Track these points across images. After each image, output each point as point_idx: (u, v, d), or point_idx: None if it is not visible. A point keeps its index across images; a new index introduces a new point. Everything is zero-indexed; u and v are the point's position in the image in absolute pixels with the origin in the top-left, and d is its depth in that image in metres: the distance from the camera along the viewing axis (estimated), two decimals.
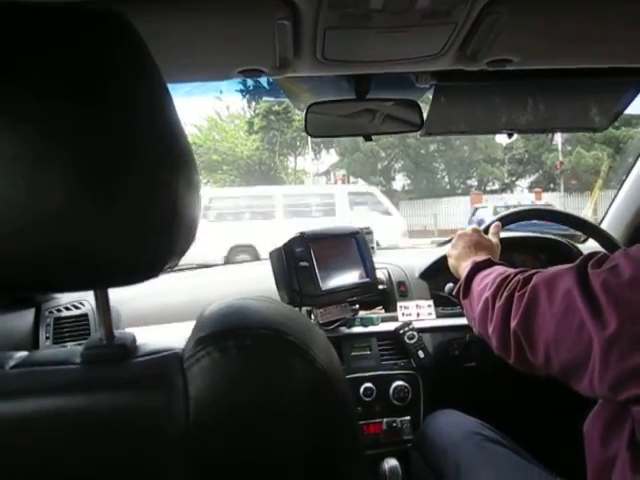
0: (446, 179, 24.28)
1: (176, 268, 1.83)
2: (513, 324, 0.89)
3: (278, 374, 0.49)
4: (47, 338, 1.52)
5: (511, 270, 1.03)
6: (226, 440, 0.47)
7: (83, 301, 1.60)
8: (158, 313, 1.57)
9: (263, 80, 1.39)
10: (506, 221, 1.46)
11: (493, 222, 1.42)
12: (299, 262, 1.42)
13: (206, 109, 25.42)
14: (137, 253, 0.47)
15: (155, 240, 0.47)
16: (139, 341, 0.55)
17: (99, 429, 0.46)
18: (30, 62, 0.42)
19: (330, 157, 25.67)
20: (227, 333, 0.49)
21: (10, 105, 0.41)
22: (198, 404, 0.47)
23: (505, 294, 0.93)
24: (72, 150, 0.42)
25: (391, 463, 1.42)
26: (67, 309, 1.58)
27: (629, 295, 0.68)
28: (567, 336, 0.76)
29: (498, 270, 1.07)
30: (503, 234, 1.44)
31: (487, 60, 1.18)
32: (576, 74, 1.35)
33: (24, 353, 0.54)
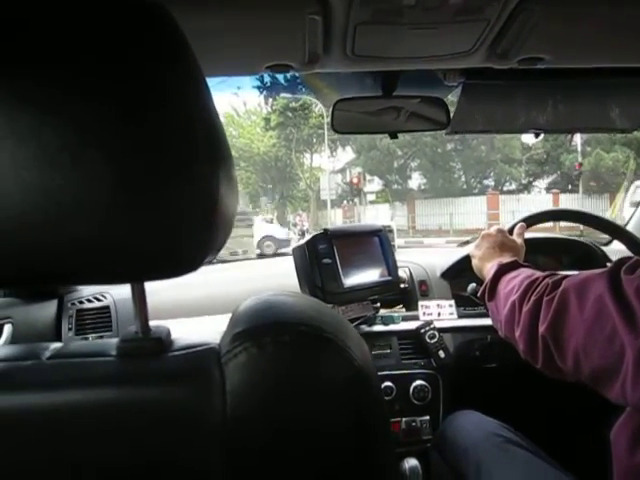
0: (463, 179, 24.16)
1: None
2: (542, 329, 0.87)
3: (316, 371, 0.49)
4: (69, 329, 1.53)
5: (539, 273, 1.02)
6: (262, 436, 0.47)
7: (105, 294, 1.61)
8: (186, 306, 1.57)
9: (280, 76, 1.39)
10: (531, 222, 1.44)
11: (518, 223, 1.40)
12: (322, 259, 1.42)
13: (223, 105, 25.56)
14: (177, 246, 0.46)
15: (195, 234, 0.47)
16: (173, 335, 0.55)
17: (135, 422, 0.46)
18: (75, 54, 0.42)
19: (346, 154, 25.69)
20: (264, 329, 0.49)
21: (56, 97, 0.41)
22: (235, 399, 0.46)
23: (533, 298, 0.92)
24: (116, 141, 0.42)
25: (411, 463, 1.42)
26: (89, 301, 1.59)
27: None
28: (598, 342, 0.75)
29: (525, 273, 1.06)
30: (530, 234, 1.43)
31: (518, 58, 1.17)
32: (609, 72, 1.33)
33: (58, 344, 0.54)
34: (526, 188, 22.78)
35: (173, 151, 0.43)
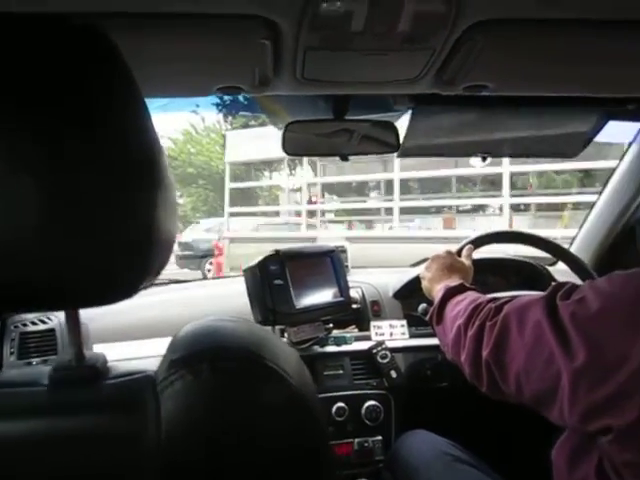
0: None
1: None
2: (485, 353, 0.89)
3: (253, 398, 0.48)
4: (11, 353, 1.47)
5: (483, 298, 1.04)
6: (198, 465, 0.46)
7: (51, 316, 1.55)
8: (129, 330, 1.54)
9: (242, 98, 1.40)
10: (479, 243, 1.48)
11: (466, 244, 1.43)
12: (274, 280, 1.41)
13: (181, 122, 25.33)
14: (111, 272, 0.46)
15: (131, 260, 0.46)
16: (110, 362, 0.54)
17: (66, 454, 0.45)
18: (6, 73, 0.41)
19: (305, 173, 25.72)
20: (201, 356, 0.49)
21: None
22: (170, 429, 0.46)
23: (477, 323, 0.94)
24: (47, 167, 0.41)
25: None
26: (33, 323, 1.54)
27: (596, 328, 0.69)
28: (537, 366, 0.77)
29: (470, 297, 1.08)
30: (475, 256, 1.46)
31: (464, 85, 1.20)
32: (550, 101, 1.38)
33: None
34: (481, 208, 23.27)
35: (107, 176, 0.43)
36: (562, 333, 0.73)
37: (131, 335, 1.49)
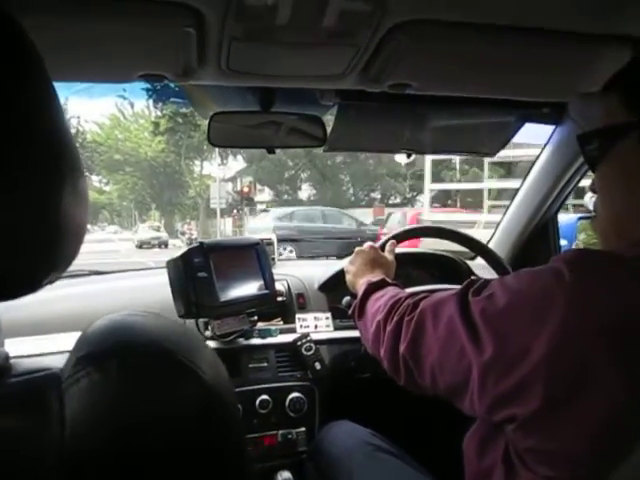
0: (351, 191, 24.87)
1: (66, 274, 1.72)
2: (402, 348, 0.92)
3: (162, 394, 0.47)
4: None
5: (402, 293, 1.07)
6: (105, 463, 0.45)
7: None
8: (44, 323, 1.47)
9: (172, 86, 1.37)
10: (401, 238, 1.51)
11: (389, 240, 1.46)
12: (197, 272, 1.39)
13: (109, 106, 24.49)
14: (14, 266, 0.44)
15: (35, 252, 0.44)
16: (15, 358, 0.51)
17: None
18: None
19: (237, 163, 25.53)
20: (109, 352, 0.47)
21: None
22: (74, 428, 0.44)
23: (395, 318, 0.97)
24: None
25: (285, 475, 1.43)
26: None
27: (503, 323, 0.72)
28: (450, 360, 0.80)
29: (390, 292, 1.11)
30: (401, 250, 1.49)
31: (388, 83, 1.23)
32: (471, 102, 1.44)
33: None
34: (410, 202, 23.87)
35: (5, 164, 0.41)
36: (473, 328, 0.76)
37: (47, 329, 1.42)
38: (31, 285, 0.46)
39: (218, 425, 0.51)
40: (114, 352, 0.47)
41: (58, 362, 0.50)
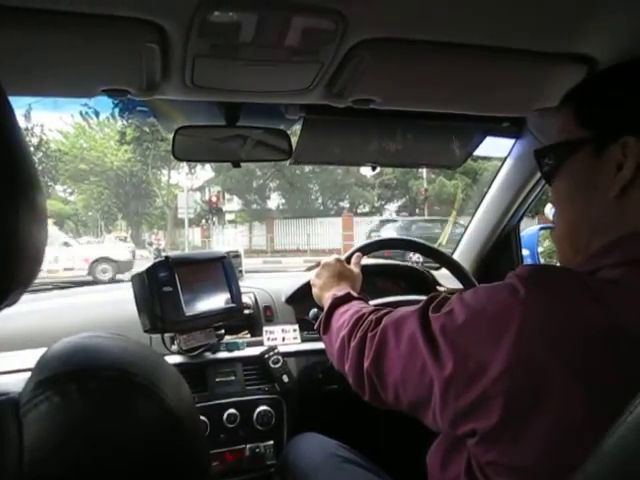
0: (320, 200, 24.92)
1: (32, 288, 1.68)
2: (366, 364, 0.92)
3: (122, 417, 0.47)
4: None
5: (366, 308, 1.08)
6: None
7: None
8: (6, 339, 1.44)
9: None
10: (367, 250, 1.53)
11: (355, 252, 1.47)
12: (162, 287, 1.38)
13: (74, 115, 24.06)
14: None
15: None
16: None
17: None
18: None
19: (205, 172, 25.30)
20: (69, 376, 0.46)
21: None
22: (34, 455, 0.43)
23: (359, 334, 0.98)
24: None
25: None
26: None
27: (462, 338, 0.73)
28: (412, 376, 0.81)
29: (355, 307, 1.12)
30: (368, 261, 1.50)
31: (352, 98, 1.25)
32: (434, 116, 1.47)
33: None
34: (378, 211, 24.03)
35: None
36: (433, 344, 0.77)
37: (8, 346, 1.39)
38: None
39: (180, 448, 0.50)
40: (74, 376, 0.47)
41: (16, 386, 0.49)
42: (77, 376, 0.47)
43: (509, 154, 1.79)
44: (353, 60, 1.07)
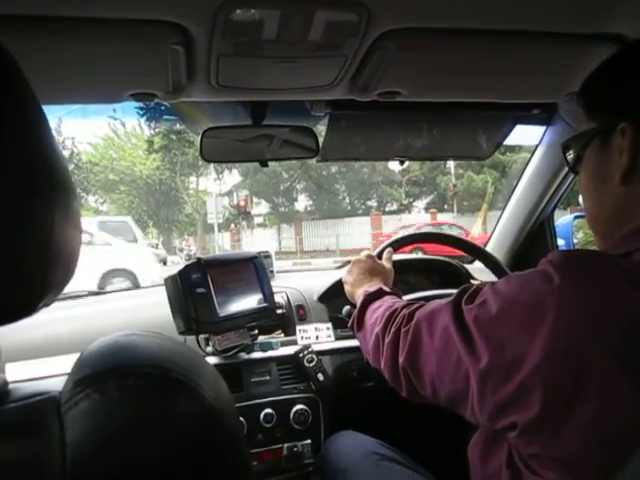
0: (347, 200, 24.91)
1: (66, 295, 1.70)
2: (401, 360, 0.91)
3: (162, 414, 0.47)
4: None
5: (399, 304, 1.06)
6: None
7: None
8: (46, 345, 1.47)
9: (164, 105, 1.37)
10: (398, 245, 1.51)
11: (386, 247, 1.46)
12: (196, 289, 1.39)
13: (102, 127, 24.54)
14: (7, 291, 0.43)
15: (28, 276, 0.44)
16: (12, 383, 0.51)
17: None
18: None
19: (233, 177, 25.56)
20: (108, 373, 0.47)
21: None
22: (76, 452, 0.44)
23: (393, 330, 0.97)
24: None
25: None
26: None
27: (497, 330, 0.72)
28: (448, 370, 0.79)
29: (387, 303, 1.11)
30: (399, 256, 1.49)
31: (378, 92, 1.23)
32: (462, 107, 1.44)
33: None
34: (407, 208, 23.92)
35: None
36: (467, 336, 0.75)
37: (47, 352, 1.42)
38: (25, 309, 0.46)
39: (220, 444, 0.50)
40: (113, 373, 0.47)
41: (57, 385, 0.50)
42: (115, 373, 0.47)
43: (540, 142, 1.76)
44: (377, 52, 1.06)
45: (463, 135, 1.66)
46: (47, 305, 0.50)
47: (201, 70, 1.08)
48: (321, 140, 1.50)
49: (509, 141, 1.69)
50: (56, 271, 0.46)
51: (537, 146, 1.79)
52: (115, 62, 1.04)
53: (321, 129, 1.57)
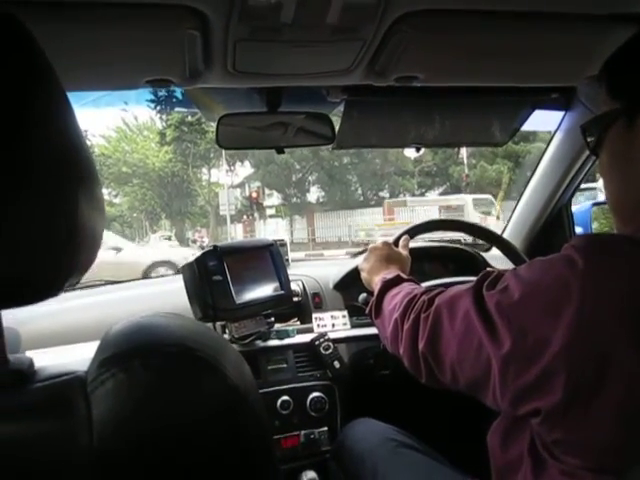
0: (359, 191, 24.85)
1: (83, 285, 1.72)
2: (421, 346, 0.91)
3: (187, 392, 0.47)
4: None
5: (418, 290, 1.06)
6: (133, 465, 0.45)
7: None
8: (64, 333, 1.48)
9: (175, 90, 1.36)
10: (414, 233, 1.50)
11: (402, 235, 1.45)
12: (212, 276, 1.40)
13: (114, 119, 24.68)
14: (33, 271, 0.44)
15: (54, 257, 0.44)
16: (38, 365, 0.51)
17: None
18: None
19: (245, 169, 25.60)
20: (132, 353, 0.47)
21: None
22: (102, 430, 0.44)
23: (412, 316, 0.96)
24: None
25: (310, 475, 1.42)
26: None
27: (519, 315, 0.71)
28: (469, 356, 0.79)
29: (406, 289, 1.10)
30: (414, 244, 1.48)
31: (395, 76, 1.22)
32: (479, 92, 1.43)
33: None
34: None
35: (23, 171, 0.41)
36: (489, 322, 0.75)
37: (68, 339, 1.43)
38: (50, 289, 0.46)
39: (245, 426, 0.50)
40: (138, 352, 0.47)
41: (82, 365, 0.50)
42: (140, 353, 0.47)
43: (558, 128, 1.73)
44: (395, 36, 1.05)
45: (480, 121, 1.64)
46: (72, 285, 0.50)
47: (218, 55, 1.08)
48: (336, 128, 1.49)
49: (526, 127, 1.67)
50: (82, 252, 0.47)
51: (555, 132, 1.76)
52: (131, 48, 1.04)
53: (334, 119, 1.56)
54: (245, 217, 24.81)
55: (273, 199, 25.11)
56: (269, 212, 24.57)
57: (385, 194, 24.37)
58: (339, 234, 20.89)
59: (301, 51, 1.08)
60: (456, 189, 22.46)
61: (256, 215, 23.89)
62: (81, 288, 1.86)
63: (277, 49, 1.07)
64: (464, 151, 20.61)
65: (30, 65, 0.43)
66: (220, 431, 0.48)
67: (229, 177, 25.57)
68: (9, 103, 0.41)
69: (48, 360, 0.53)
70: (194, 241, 22.28)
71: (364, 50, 1.09)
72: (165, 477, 0.46)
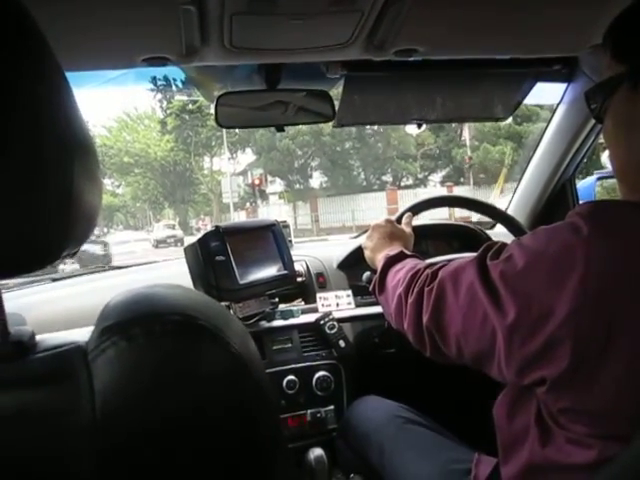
0: (362, 176, 24.77)
1: (88, 270, 1.72)
2: (425, 319, 0.90)
3: (189, 359, 0.47)
4: None
5: (421, 264, 1.05)
6: (136, 431, 0.44)
7: None
8: (69, 318, 1.48)
9: (176, 76, 1.35)
10: (417, 210, 1.49)
11: (405, 212, 1.44)
12: (215, 256, 1.39)
13: (115, 109, 24.69)
14: (27, 240, 0.43)
15: (46, 226, 0.44)
16: (39, 337, 0.51)
17: None
18: None
19: (246, 156, 25.55)
20: (134, 321, 0.47)
21: None
22: (104, 397, 0.44)
23: (416, 290, 0.95)
24: None
25: (316, 452, 1.42)
26: None
27: (524, 284, 0.71)
28: (473, 327, 0.79)
29: (409, 264, 1.09)
30: (417, 222, 1.47)
31: (394, 49, 1.21)
32: (480, 65, 1.41)
33: None
34: (422, 182, 23.71)
35: (13, 141, 0.40)
36: (493, 292, 0.74)
37: (72, 323, 1.43)
38: (45, 259, 0.46)
39: (250, 397, 0.50)
40: (139, 320, 0.47)
41: (83, 336, 0.50)
42: (141, 321, 0.47)
43: (561, 100, 1.71)
44: (394, 7, 1.03)
45: (481, 95, 1.62)
46: (71, 256, 0.50)
47: (214, 31, 1.06)
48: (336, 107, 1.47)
49: (529, 100, 1.65)
50: (76, 223, 0.46)
51: (558, 105, 1.74)
52: (127, 26, 1.03)
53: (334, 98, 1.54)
54: (248, 204, 24.82)
55: (276, 186, 25.07)
56: (272, 199, 24.57)
57: (388, 178, 24.29)
58: (342, 219, 20.84)
59: (298, 24, 1.06)
60: (459, 172, 22.37)
61: (259, 202, 23.91)
62: (86, 273, 1.87)
63: (274, 22, 1.06)
64: (467, 133, 20.50)
65: (22, 38, 0.42)
66: (223, 398, 0.48)
67: (231, 165, 25.55)
68: (3, 80, 0.40)
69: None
70: (198, 229, 22.34)
71: (362, 22, 1.08)
72: (167, 443, 0.45)
